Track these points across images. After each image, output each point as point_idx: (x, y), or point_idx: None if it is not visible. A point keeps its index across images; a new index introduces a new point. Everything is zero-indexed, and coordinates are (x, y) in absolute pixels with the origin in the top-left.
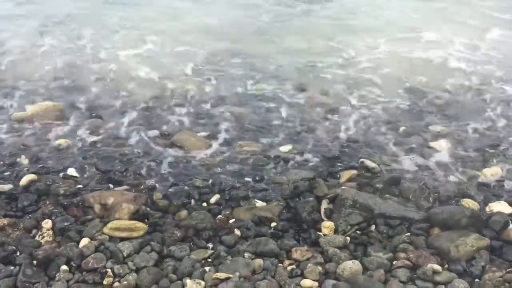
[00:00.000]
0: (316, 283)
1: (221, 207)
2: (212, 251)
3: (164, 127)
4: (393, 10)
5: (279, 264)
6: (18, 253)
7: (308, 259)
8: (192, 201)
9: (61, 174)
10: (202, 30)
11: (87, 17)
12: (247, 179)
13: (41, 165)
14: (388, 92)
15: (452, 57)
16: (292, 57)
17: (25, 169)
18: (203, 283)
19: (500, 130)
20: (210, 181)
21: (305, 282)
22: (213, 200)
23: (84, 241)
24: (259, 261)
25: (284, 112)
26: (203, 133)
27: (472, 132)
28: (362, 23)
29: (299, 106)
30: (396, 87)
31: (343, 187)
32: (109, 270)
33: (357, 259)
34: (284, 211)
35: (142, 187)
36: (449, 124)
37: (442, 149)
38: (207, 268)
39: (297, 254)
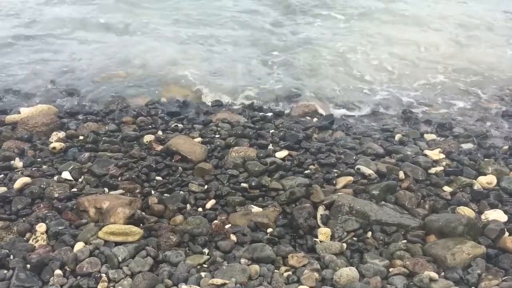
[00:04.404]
0: None
1: (217, 213)
2: (208, 256)
3: (160, 132)
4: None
5: (276, 270)
6: (11, 257)
7: (304, 266)
8: (188, 206)
9: (55, 178)
10: (197, 34)
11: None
12: (243, 184)
13: (35, 168)
14: (384, 100)
15: (447, 67)
16: (287, 64)
17: (19, 172)
18: None
19: (495, 139)
20: (206, 186)
21: None
22: (208, 205)
23: (79, 245)
24: (255, 267)
25: (279, 119)
26: (199, 138)
27: (468, 141)
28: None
29: (295, 113)
30: (391, 95)
31: (339, 194)
32: (104, 275)
33: (353, 266)
34: (280, 217)
35: (137, 191)
36: (444, 133)
37: (437, 157)
38: (203, 274)
39: (293, 260)
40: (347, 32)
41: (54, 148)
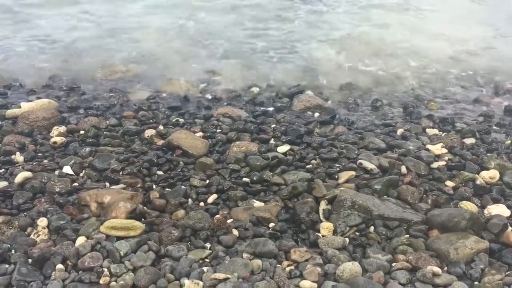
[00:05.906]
0: (315, 285)
1: (218, 207)
2: (210, 251)
3: (161, 126)
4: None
5: (278, 265)
6: (12, 252)
7: (307, 260)
8: (190, 200)
9: (56, 172)
10: (197, 30)
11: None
12: (244, 179)
13: (36, 162)
14: (386, 95)
15: (450, 61)
16: (289, 59)
17: (20, 166)
18: (201, 283)
19: (498, 134)
20: (207, 181)
21: (304, 283)
22: (210, 200)
23: (80, 240)
24: (257, 262)
25: (280, 113)
26: (200, 133)
27: (470, 135)
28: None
29: (296, 108)
30: (394, 90)
31: (341, 188)
32: (106, 270)
33: (356, 261)
34: (283, 211)
35: (139, 186)
36: (446, 128)
37: (439, 152)
38: (205, 268)
39: (296, 255)
40: (349, 25)
41: (55, 142)
